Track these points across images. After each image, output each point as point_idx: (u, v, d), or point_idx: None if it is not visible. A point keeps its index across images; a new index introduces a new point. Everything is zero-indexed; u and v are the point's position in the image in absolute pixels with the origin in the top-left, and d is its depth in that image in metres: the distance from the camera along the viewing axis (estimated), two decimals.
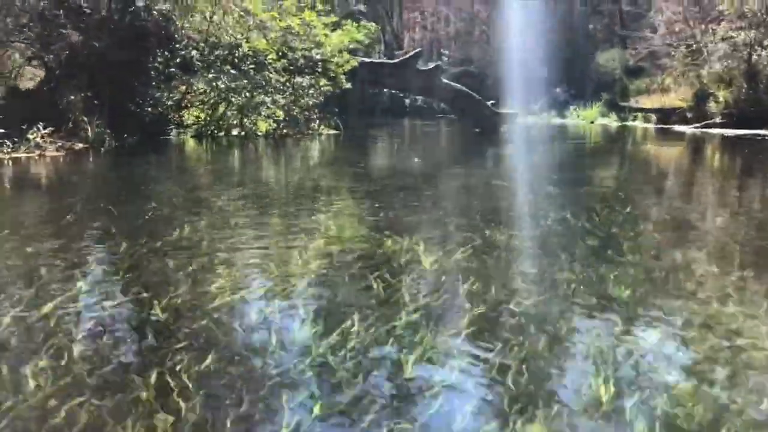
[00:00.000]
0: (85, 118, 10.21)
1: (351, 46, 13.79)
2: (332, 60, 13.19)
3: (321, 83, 13.65)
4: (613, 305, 2.70)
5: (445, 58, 32.40)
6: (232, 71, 11.98)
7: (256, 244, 3.90)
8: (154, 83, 11.93)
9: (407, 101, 30.60)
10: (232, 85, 11.75)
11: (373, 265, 3.31)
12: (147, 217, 4.64)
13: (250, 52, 12.24)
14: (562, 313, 2.62)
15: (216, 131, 12.27)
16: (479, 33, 32.52)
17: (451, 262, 3.37)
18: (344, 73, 13.84)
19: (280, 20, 12.75)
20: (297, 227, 4.30)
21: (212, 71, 11.76)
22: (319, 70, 13.12)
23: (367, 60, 15.15)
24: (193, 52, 11.59)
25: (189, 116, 12.64)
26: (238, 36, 12.33)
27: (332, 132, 15.50)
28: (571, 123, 23.52)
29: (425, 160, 9.41)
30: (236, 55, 12.14)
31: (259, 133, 12.63)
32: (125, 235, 3.96)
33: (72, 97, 10.44)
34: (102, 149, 9.96)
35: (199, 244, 3.80)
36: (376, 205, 5.22)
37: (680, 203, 5.85)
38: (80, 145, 9.93)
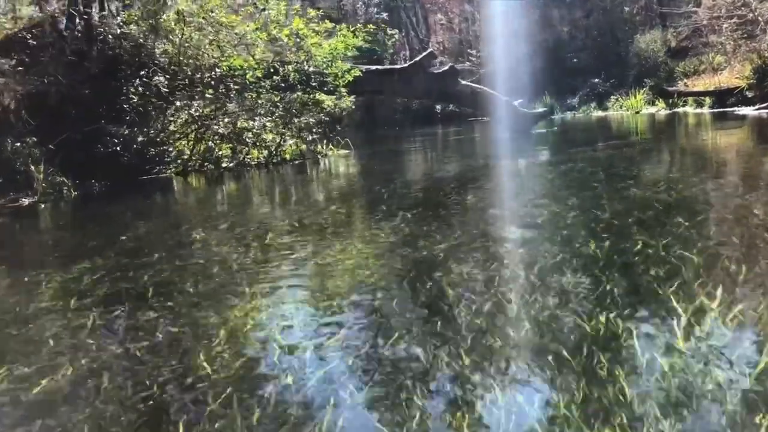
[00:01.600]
0: (33, 168, 8.53)
1: (350, 53, 11.80)
2: (326, 72, 11.24)
3: (320, 98, 11.74)
4: None
5: (473, 59, 30.18)
6: (208, 95, 10.17)
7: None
8: (127, 118, 10.21)
9: (438, 107, 28.53)
10: (205, 111, 9.94)
11: None
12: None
13: (230, 72, 10.40)
14: None
15: (203, 165, 10.43)
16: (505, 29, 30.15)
17: None
18: (345, 85, 11.88)
19: (262, 32, 10.88)
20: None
21: (180, 98, 9.97)
22: (314, 84, 11.18)
23: (372, 68, 13.15)
24: (161, 78, 9.78)
25: (175, 150, 10.89)
26: (215, 55, 10.49)
27: (342, 152, 13.59)
28: (614, 115, 20.99)
29: (459, 188, 7.37)
30: (211, 76, 10.31)
31: (253, 162, 10.78)
32: None
33: (18, 145, 8.79)
34: (62, 202, 8.25)
35: None
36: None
37: None
38: (28, 200, 8.27)
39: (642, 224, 3.79)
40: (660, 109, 19.42)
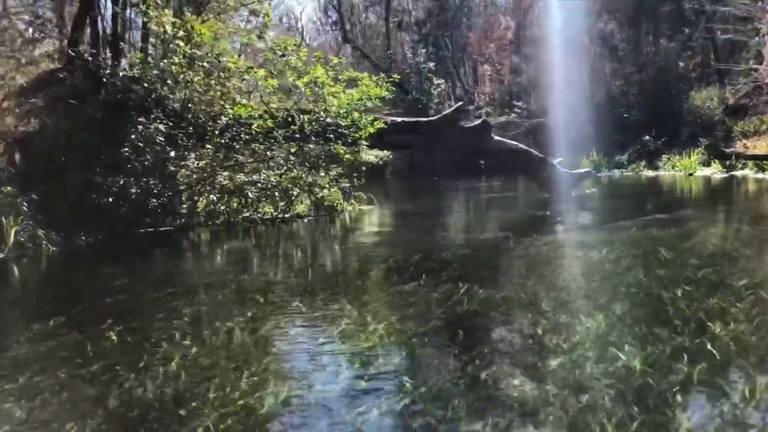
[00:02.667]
0: (4, 219, 7.66)
1: (369, 104, 10.75)
2: (341, 123, 10.20)
3: (338, 151, 10.73)
4: None
5: (519, 110, 28.99)
6: (209, 146, 9.25)
7: None
8: (129, 167, 9.35)
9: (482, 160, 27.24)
10: (206, 162, 9.00)
11: None
12: None
13: (234, 121, 9.48)
14: None
15: (208, 219, 9.42)
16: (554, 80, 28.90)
17: None
18: (369, 137, 10.82)
19: (274, 79, 9.96)
20: None
21: (183, 148, 9.06)
22: (330, 135, 10.16)
23: (398, 120, 12.08)
24: (161, 126, 8.89)
25: (178, 203, 9.95)
26: (221, 102, 9.58)
27: (366, 207, 12.47)
28: (665, 175, 19.35)
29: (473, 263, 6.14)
30: (216, 125, 9.40)
31: (263, 218, 9.75)
32: None
33: None
34: (39, 257, 7.32)
35: None
36: None
37: None
38: None
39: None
40: (716, 172, 17.73)
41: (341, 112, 10.19)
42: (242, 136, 9.67)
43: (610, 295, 4.05)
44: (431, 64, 35.94)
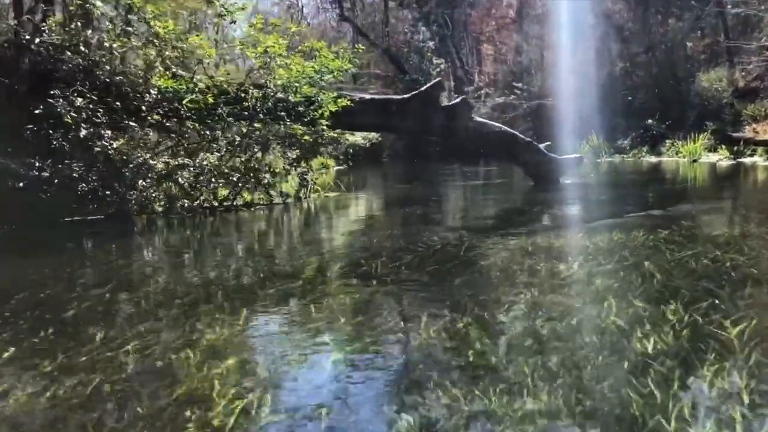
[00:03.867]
0: None
1: (328, 77, 9.28)
2: (293, 98, 8.75)
3: (296, 130, 9.32)
4: None
5: (519, 92, 27.32)
6: (132, 123, 7.84)
7: None
8: (53, 148, 7.98)
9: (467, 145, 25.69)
10: (124, 145, 7.60)
11: None
12: None
13: (166, 96, 8.05)
14: None
15: (144, 207, 8.05)
16: (556, 61, 27.17)
17: None
18: (326, 116, 9.37)
19: (214, 49, 8.51)
20: None
21: (106, 126, 7.66)
22: (282, 113, 8.73)
23: (366, 98, 10.61)
24: (79, 100, 7.49)
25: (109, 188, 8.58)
26: (150, 74, 8.15)
27: (333, 194, 11.09)
28: (668, 162, 17.78)
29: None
30: (143, 101, 7.98)
31: (203, 207, 8.41)
32: None
33: None
34: None
35: None
36: None
37: None
38: None
39: None
40: (722, 158, 16.14)
41: (291, 86, 8.73)
42: (182, 113, 8.26)
43: (548, 364, 2.64)
44: (431, 43, 34.26)
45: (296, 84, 8.73)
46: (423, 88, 10.77)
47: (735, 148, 16.00)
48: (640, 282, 3.75)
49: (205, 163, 8.20)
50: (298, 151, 9.88)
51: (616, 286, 3.71)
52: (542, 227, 6.44)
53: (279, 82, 8.69)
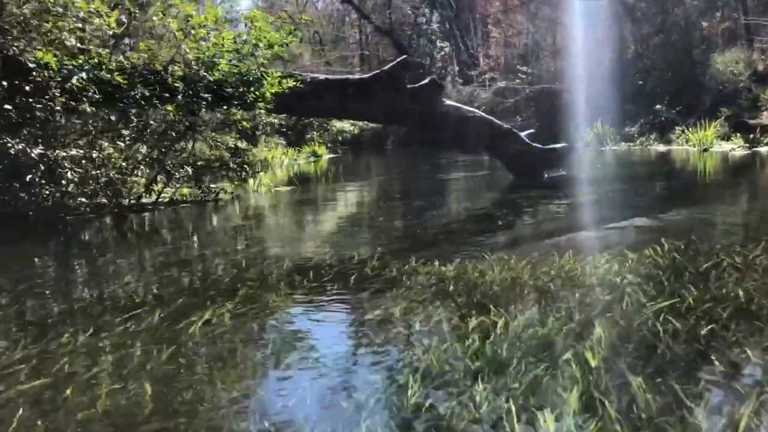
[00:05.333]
0: None
1: (264, 53, 7.66)
2: (212, 76, 7.15)
3: (233, 115, 7.80)
4: None
5: (523, 76, 25.39)
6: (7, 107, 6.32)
7: None
8: None
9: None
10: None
11: None
12: None
13: (59, 75, 6.51)
14: None
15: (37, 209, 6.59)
16: (564, 44, 25.17)
17: None
18: (268, 99, 7.79)
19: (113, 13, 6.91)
20: None
21: None
22: (205, 95, 7.15)
23: (320, 78, 8.99)
24: None
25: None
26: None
27: (285, 189, 9.59)
28: (677, 151, 15.94)
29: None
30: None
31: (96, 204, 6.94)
32: None
33: None
34: None
35: None
36: None
37: None
38: None
39: None
40: (736, 147, 14.28)
41: (208, 61, 7.14)
42: (91, 96, 6.73)
43: None
44: (435, 26, 32.41)
45: (214, 60, 7.13)
46: (386, 67, 9.13)
47: (751, 136, 14.13)
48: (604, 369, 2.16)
49: (107, 153, 6.68)
50: (235, 139, 8.34)
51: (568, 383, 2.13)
52: (493, 242, 4.83)
53: (190, 56, 7.11)
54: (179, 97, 7.15)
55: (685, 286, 3.21)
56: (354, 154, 24.21)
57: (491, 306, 2.97)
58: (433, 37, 31.86)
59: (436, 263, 3.93)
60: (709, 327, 2.58)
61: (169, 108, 6.98)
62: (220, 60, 7.08)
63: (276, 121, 17.87)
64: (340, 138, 21.24)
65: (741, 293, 3.01)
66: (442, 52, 31.38)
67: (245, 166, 8.61)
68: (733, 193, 7.57)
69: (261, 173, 9.46)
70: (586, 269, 3.61)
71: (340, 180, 12.25)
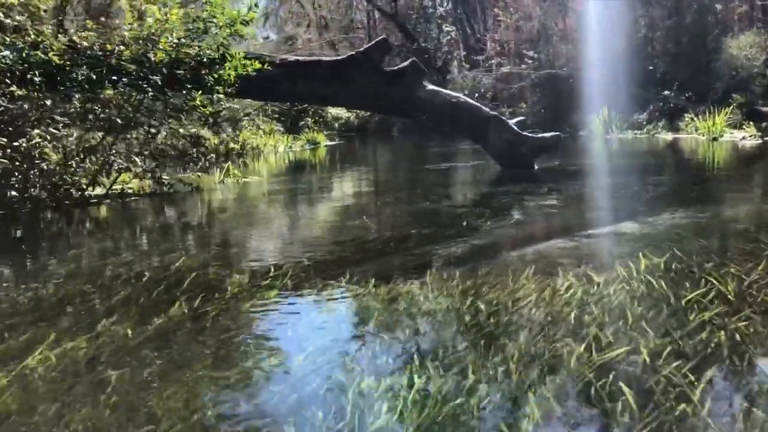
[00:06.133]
0: None
1: (218, 32, 6.87)
2: (154, 56, 6.37)
3: (195, 100, 7.03)
4: None
5: (530, 61, 24.29)
6: None
7: None
8: None
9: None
10: None
11: None
12: None
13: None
14: None
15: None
16: (571, 27, 24.01)
17: None
18: (231, 82, 7.02)
19: None
20: None
21: None
22: (150, 75, 6.38)
23: (289, 59, 8.17)
24: None
25: None
26: None
27: (246, 179, 8.83)
28: (685, 139, 14.95)
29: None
30: None
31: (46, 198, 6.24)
32: None
33: None
34: None
35: None
36: None
37: None
38: None
39: None
40: (747, 136, 13.27)
41: (148, 39, 6.35)
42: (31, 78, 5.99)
43: None
44: (441, 9, 31.35)
45: (154, 38, 6.33)
46: (362, 49, 8.30)
47: (764, 124, 13.11)
48: None
49: (34, 142, 5.95)
50: (202, 126, 7.58)
51: None
52: (438, 255, 4.02)
53: (126, 34, 6.33)
54: (125, 80, 6.41)
55: (658, 327, 2.40)
56: (356, 142, 23.37)
57: (413, 358, 2.18)
58: (440, 21, 30.81)
59: (371, 283, 3.16)
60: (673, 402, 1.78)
61: (109, 92, 6.21)
62: (160, 38, 6.27)
63: (269, 108, 17.11)
64: (336, 125, 20.39)
65: (724, 340, 2.21)
66: (449, 37, 30.34)
67: (208, 156, 7.86)
68: (738, 191, 6.67)
69: (229, 163, 8.70)
70: (539, 300, 2.82)
71: (325, 171, 11.49)
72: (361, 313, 2.81)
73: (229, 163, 8.88)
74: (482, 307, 2.74)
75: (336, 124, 20.35)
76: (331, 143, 20.12)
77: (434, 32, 30.27)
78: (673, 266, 3.24)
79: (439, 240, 4.32)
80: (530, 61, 24.06)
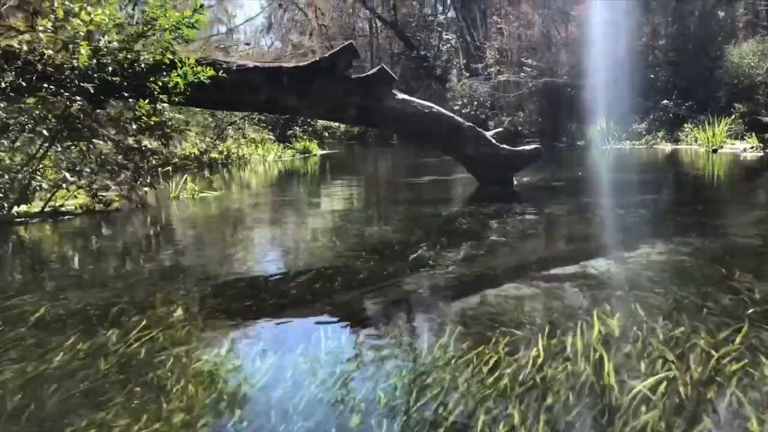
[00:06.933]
0: None
1: (159, 35, 6.16)
2: (83, 62, 5.66)
3: (143, 109, 6.33)
4: None
5: (528, 69, 23.50)
6: None
7: None
8: None
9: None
10: None
11: None
12: None
13: None
14: None
15: None
16: (571, 35, 23.18)
17: None
18: (180, 90, 6.32)
19: None
20: None
21: None
22: (83, 83, 5.68)
23: (249, 65, 7.43)
24: None
25: None
26: None
27: (205, 194, 8.12)
28: (685, 151, 14.11)
29: None
30: None
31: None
32: None
33: None
34: None
35: None
36: None
37: None
38: None
39: None
40: (749, 147, 12.43)
41: (67, 43, 5.64)
42: None
43: None
44: (441, 17, 30.63)
45: (75, 41, 5.62)
46: (326, 54, 7.55)
47: (766, 135, 12.26)
48: None
49: None
50: (157, 138, 6.86)
51: None
52: (387, 293, 3.26)
53: (42, 37, 5.61)
54: (52, 87, 5.70)
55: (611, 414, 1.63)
56: (352, 151, 22.66)
57: None
58: (440, 29, 30.10)
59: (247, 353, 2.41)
60: None
61: (29, 101, 5.50)
62: (80, 42, 5.55)
63: (256, 116, 16.44)
64: (326, 134, 19.65)
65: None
66: (448, 45, 29.63)
67: (160, 168, 7.15)
68: (731, 217, 5.86)
69: (186, 177, 7.99)
70: (475, 372, 2.05)
71: (299, 184, 10.78)
72: None
73: (186, 176, 8.17)
74: (399, 386, 1.97)
75: (326, 133, 19.62)
76: (323, 152, 19.43)
77: (434, 40, 29.54)
78: (631, 334, 2.46)
79: (373, 280, 3.56)
80: (529, 69, 23.28)
